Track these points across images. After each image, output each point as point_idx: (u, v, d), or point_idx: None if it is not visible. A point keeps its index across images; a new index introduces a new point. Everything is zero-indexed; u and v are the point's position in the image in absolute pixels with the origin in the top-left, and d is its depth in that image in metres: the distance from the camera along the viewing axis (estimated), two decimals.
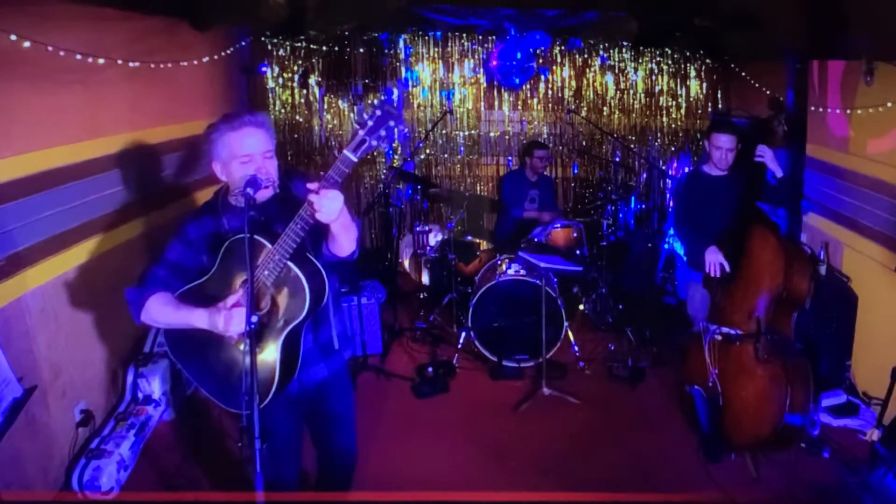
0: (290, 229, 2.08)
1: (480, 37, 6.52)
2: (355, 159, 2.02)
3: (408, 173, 6.22)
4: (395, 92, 6.51)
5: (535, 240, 5.37)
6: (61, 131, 3.35)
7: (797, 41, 4.28)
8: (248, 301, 1.98)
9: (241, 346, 2.21)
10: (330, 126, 6.65)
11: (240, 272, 2.20)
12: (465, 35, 6.51)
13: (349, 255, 2.26)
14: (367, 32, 6.35)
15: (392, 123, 2.00)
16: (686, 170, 6.38)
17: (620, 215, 6.61)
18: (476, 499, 3.31)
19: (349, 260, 2.29)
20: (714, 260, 3.58)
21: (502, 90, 6.70)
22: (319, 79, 6.50)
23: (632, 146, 6.72)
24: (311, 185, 2.02)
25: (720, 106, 6.61)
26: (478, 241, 5.83)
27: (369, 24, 6.18)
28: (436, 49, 6.56)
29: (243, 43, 5.52)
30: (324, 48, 6.39)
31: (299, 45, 6.32)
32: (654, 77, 6.68)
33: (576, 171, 6.95)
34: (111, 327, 3.73)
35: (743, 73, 5.86)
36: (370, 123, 2.00)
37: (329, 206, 2.00)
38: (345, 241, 2.19)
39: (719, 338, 3.47)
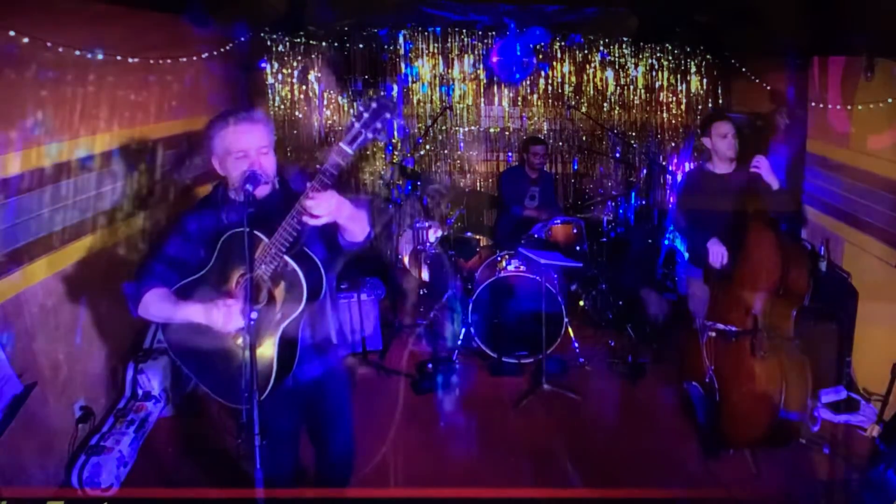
0: (286, 223, 2.08)
1: (480, 32, 6.49)
2: (351, 152, 2.02)
3: (407, 169, 6.21)
4: (395, 88, 6.50)
5: (535, 236, 5.37)
6: (60, 127, 3.33)
7: (798, 37, 4.27)
8: (247, 297, 1.98)
9: (239, 341, 2.20)
10: (329, 122, 6.63)
11: (238, 266, 2.20)
12: (464, 31, 6.48)
13: (365, 238, 2.28)
14: (366, 28, 6.33)
15: (388, 116, 2.00)
16: (689, 167, 6.41)
17: (620, 211, 6.60)
18: (476, 495, 3.30)
19: (367, 242, 2.31)
20: (718, 250, 3.57)
21: (502, 86, 6.68)
22: (319, 75, 6.49)
23: (632, 142, 6.70)
24: (309, 188, 2.03)
25: (720, 102, 6.59)
26: (477, 237, 5.82)
27: (369, 20, 6.16)
28: (435, 45, 6.54)
29: (242, 39, 5.50)
30: (323, 44, 6.38)
31: (299, 41, 6.31)
32: (654, 73, 6.65)
33: (576, 168, 6.93)
34: (111, 323, 3.72)
35: (743, 69, 5.85)
36: (366, 116, 2.00)
37: (325, 207, 2.01)
38: (356, 228, 2.23)
39: (713, 335, 3.47)
